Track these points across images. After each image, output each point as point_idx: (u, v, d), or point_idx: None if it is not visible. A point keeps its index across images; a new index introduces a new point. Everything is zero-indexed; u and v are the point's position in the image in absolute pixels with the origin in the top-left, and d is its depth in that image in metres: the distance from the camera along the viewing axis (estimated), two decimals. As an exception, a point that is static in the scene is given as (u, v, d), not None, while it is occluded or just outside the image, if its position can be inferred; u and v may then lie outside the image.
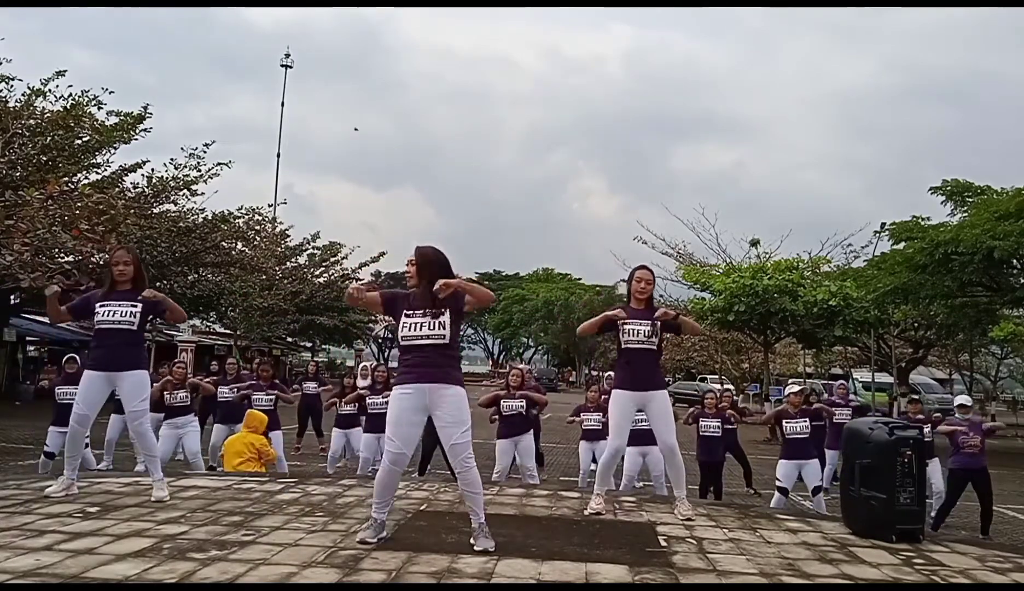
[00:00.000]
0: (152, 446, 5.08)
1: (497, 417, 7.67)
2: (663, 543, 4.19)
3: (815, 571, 3.74)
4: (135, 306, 4.85)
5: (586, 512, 4.89)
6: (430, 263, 3.94)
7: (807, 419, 7.18)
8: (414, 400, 3.85)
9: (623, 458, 7.75)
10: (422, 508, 4.90)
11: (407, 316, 3.93)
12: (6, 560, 3.37)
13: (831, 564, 3.89)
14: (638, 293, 5.07)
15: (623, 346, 4.98)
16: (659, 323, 4.93)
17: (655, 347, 4.96)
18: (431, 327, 3.87)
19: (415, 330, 3.89)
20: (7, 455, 10.22)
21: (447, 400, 3.85)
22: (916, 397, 9.47)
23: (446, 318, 3.89)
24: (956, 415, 7.69)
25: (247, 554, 3.63)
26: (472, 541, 3.86)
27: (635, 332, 4.92)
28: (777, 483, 7.15)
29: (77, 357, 8.55)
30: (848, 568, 3.82)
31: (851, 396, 10.38)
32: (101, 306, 4.83)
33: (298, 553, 3.67)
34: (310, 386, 10.87)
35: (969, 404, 7.90)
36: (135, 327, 4.85)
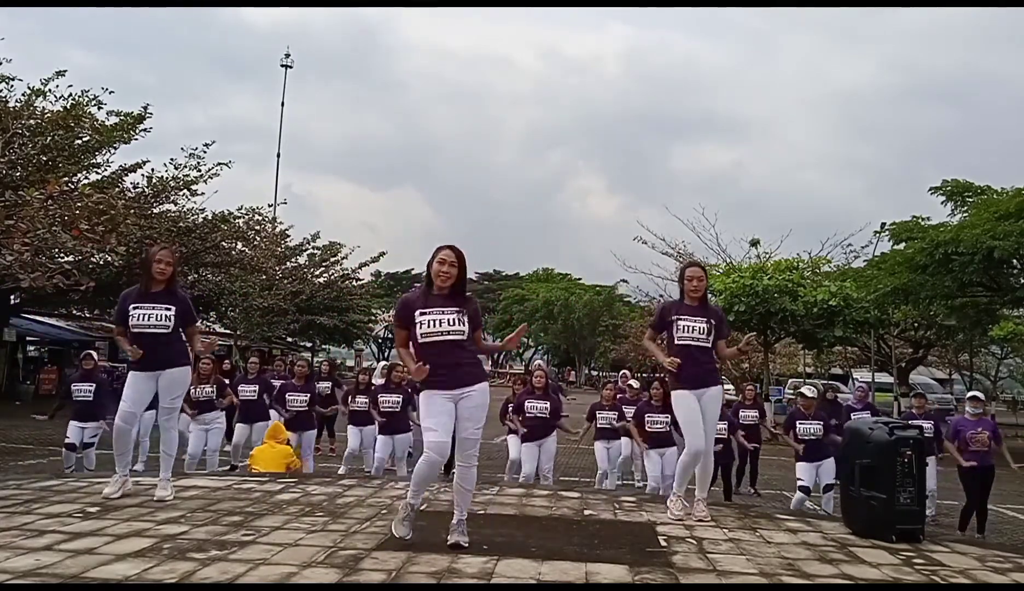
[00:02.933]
0: (172, 443, 5.07)
1: (519, 420, 7.53)
2: (663, 543, 4.19)
3: (815, 571, 3.74)
4: (169, 309, 4.83)
5: (668, 516, 4.83)
6: (465, 271, 4.00)
7: (820, 422, 7.22)
8: (445, 401, 3.88)
9: (643, 460, 7.76)
10: (422, 508, 4.88)
11: (424, 314, 3.87)
12: (6, 560, 3.37)
13: (831, 564, 3.89)
14: (692, 291, 5.01)
15: (677, 342, 4.92)
16: (714, 323, 4.92)
17: (710, 344, 4.94)
18: (451, 323, 3.87)
19: (435, 326, 3.86)
20: (7, 455, 10.22)
21: (473, 397, 3.91)
22: (921, 392, 9.43)
23: (465, 318, 3.92)
24: (968, 408, 7.45)
25: (247, 554, 3.63)
26: (448, 536, 3.86)
27: (691, 328, 4.88)
28: (799, 483, 7.19)
29: (94, 354, 8.61)
30: (848, 568, 3.82)
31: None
32: (134, 308, 4.79)
33: (298, 553, 3.67)
34: (324, 386, 10.83)
35: (981, 397, 7.64)
36: (169, 330, 4.83)
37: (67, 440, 7.90)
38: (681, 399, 4.93)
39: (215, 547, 3.73)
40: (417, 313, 3.88)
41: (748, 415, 9.51)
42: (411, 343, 3.98)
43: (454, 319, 3.87)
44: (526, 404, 7.45)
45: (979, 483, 7.11)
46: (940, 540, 4.66)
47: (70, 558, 3.45)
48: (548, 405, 7.45)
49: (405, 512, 3.94)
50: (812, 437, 7.18)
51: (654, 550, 4.02)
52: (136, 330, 4.79)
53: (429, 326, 3.85)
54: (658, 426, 7.22)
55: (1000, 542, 6.45)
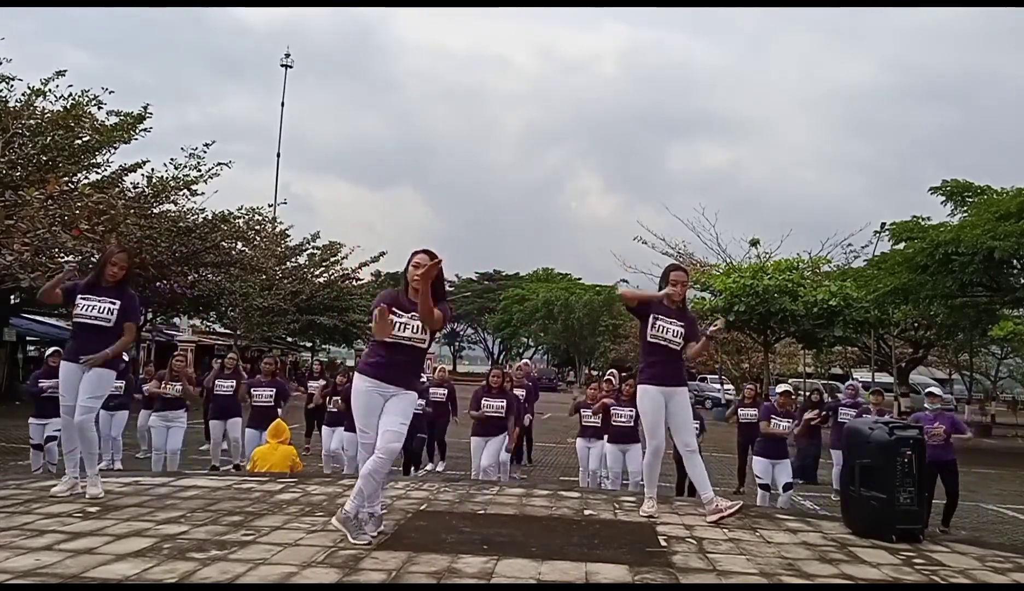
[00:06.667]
0: (92, 443, 4.91)
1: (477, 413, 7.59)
2: (663, 543, 4.19)
3: (815, 571, 3.74)
4: (114, 303, 4.89)
5: (641, 514, 4.87)
6: (440, 275, 4.02)
7: (790, 420, 7.42)
8: (376, 396, 3.98)
9: (608, 455, 7.82)
10: (422, 508, 4.90)
11: (394, 315, 3.99)
12: (6, 560, 3.37)
13: (831, 564, 3.89)
14: (675, 295, 5.06)
15: (649, 340, 4.96)
16: (686, 328, 4.96)
17: (680, 348, 4.99)
18: (414, 330, 3.99)
19: (401, 330, 3.98)
20: (7, 455, 10.21)
21: (403, 399, 4.01)
22: (878, 389, 9.44)
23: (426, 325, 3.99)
24: (925, 405, 7.40)
25: (247, 554, 3.63)
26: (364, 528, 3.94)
27: (667, 329, 4.93)
28: (758, 480, 7.25)
29: (61, 350, 8.54)
30: (848, 568, 3.82)
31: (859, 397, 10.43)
32: (82, 298, 4.87)
33: (298, 553, 3.67)
34: (315, 385, 10.84)
35: (939, 393, 7.55)
36: (111, 324, 4.87)
37: (32, 441, 7.72)
38: (646, 395, 4.97)
39: (215, 547, 3.73)
40: (391, 311, 3.98)
41: (747, 414, 9.52)
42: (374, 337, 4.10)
43: (419, 326, 3.98)
44: (482, 401, 7.54)
45: (935, 477, 7.08)
46: (940, 540, 4.66)
47: (70, 558, 3.45)
48: (504, 403, 7.52)
49: (360, 520, 3.98)
50: (778, 434, 7.34)
51: (654, 550, 4.02)
52: (79, 320, 4.86)
53: (399, 329, 3.97)
54: (622, 419, 7.33)
55: (1000, 542, 6.45)
